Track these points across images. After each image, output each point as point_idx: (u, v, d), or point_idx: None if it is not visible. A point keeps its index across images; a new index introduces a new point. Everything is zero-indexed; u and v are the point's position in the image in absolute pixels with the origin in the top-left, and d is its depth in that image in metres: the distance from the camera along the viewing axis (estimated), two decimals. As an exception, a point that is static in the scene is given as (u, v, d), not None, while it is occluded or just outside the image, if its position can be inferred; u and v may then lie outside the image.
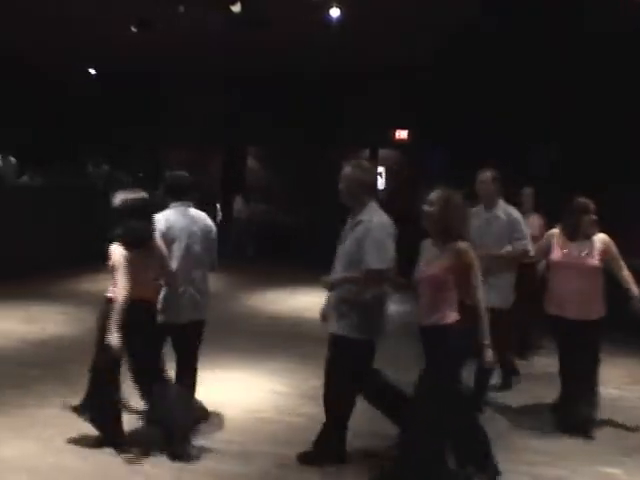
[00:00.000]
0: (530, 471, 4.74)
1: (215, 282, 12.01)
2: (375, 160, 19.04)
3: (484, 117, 13.45)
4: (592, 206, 5.40)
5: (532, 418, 5.73)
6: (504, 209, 5.92)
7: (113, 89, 17.86)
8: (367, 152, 19.15)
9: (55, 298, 9.37)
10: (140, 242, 4.75)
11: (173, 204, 5.19)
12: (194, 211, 5.26)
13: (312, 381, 6.48)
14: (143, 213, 4.76)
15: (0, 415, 5.41)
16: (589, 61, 11.64)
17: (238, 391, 6.27)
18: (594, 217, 5.38)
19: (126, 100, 18.02)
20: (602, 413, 5.67)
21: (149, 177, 16.79)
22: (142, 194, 4.87)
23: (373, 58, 14.91)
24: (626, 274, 5.37)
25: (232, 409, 5.71)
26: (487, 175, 5.98)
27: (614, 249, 5.40)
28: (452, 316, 4.18)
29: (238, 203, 16.89)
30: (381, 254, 4.36)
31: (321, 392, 6.13)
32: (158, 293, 5.04)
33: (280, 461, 4.77)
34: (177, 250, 5.05)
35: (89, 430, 5.01)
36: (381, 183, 19.24)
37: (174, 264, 5.03)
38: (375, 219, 4.49)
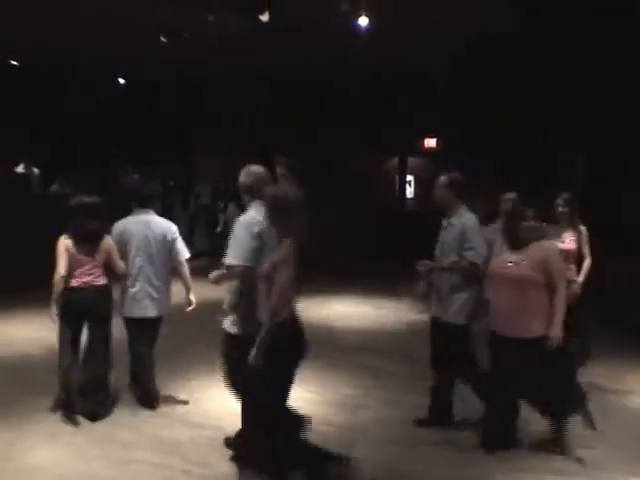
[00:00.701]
0: (556, 480, 4.70)
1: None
2: (404, 168, 19.03)
3: (511, 124, 13.35)
4: (529, 212, 4.98)
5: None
6: (460, 217, 5.33)
7: (144, 97, 18.05)
8: (396, 160, 19.14)
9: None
10: (88, 238, 5.41)
11: (135, 211, 5.85)
12: (152, 217, 5.85)
13: (342, 389, 6.47)
14: (94, 214, 5.44)
15: (31, 421, 5.47)
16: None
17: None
18: (532, 223, 4.96)
19: (158, 108, 18.19)
20: (630, 423, 5.65)
21: (181, 186, 16.97)
22: (96, 198, 5.53)
23: (401, 65, 14.89)
24: (557, 298, 4.80)
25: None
26: (441, 180, 5.48)
27: (554, 260, 4.89)
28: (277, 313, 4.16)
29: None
30: (234, 251, 4.51)
31: (350, 400, 6.16)
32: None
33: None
34: (131, 251, 5.72)
35: (120, 438, 5.06)
36: (410, 192, 19.20)
37: (129, 263, 5.71)
38: (243, 218, 4.68)
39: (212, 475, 4.63)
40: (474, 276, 5.19)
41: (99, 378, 5.56)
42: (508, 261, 4.92)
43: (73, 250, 5.40)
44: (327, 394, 6.35)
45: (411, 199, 19.20)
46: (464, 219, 5.31)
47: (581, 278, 6.43)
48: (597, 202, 9.46)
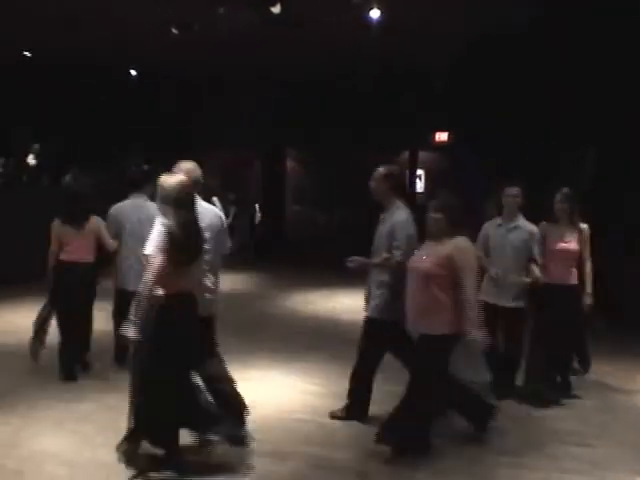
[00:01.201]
0: (560, 478, 4.66)
1: (250, 282, 12.15)
2: (415, 162, 18.97)
3: (512, 124, 13.28)
4: (435, 204, 4.80)
5: (573, 424, 5.63)
6: (394, 212, 5.29)
7: (152, 91, 18.04)
8: (407, 154, 19.09)
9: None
10: (75, 218, 6.20)
11: (132, 194, 6.53)
12: (146, 202, 6.36)
13: (346, 382, 6.47)
14: (83, 198, 6.24)
15: (38, 409, 5.54)
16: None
17: (271, 391, 6.27)
18: (438, 216, 4.75)
19: (158, 107, 18.16)
20: (639, 422, 5.61)
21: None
22: (85, 185, 6.31)
23: (409, 60, 14.83)
24: (463, 293, 4.61)
25: (265, 409, 5.68)
26: (378, 171, 5.38)
27: (463, 258, 4.66)
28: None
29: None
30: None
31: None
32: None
33: (313, 461, 4.77)
34: (125, 232, 6.37)
35: (124, 426, 5.10)
36: (420, 186, 19.14)
37: (122, 243, 6.37)
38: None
39: (213, 464, 4.65)
40: (401, 273, 5.06)
41: (85, 339, 6.52)
42: (421, 256, 4.85)
43: (63, 229, 6.19)
44: (331, 386, 6.36)
45: (421, 194, 19.12)
46: (396, 215, 5.25)
47: (589, 289, 6.11)
48: (599, 201, 9.40)
